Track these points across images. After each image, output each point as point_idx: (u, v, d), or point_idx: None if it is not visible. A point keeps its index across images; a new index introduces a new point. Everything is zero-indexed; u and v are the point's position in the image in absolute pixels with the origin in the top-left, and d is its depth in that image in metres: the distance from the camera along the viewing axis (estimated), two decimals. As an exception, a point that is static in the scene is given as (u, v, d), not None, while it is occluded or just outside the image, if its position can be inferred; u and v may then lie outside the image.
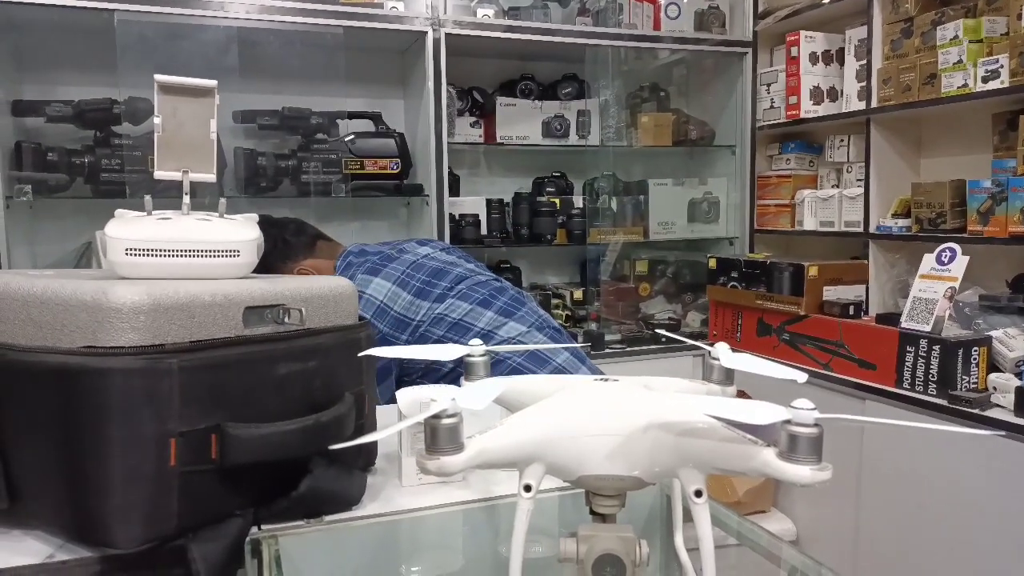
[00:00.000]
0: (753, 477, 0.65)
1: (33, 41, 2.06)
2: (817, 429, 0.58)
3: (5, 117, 1.94)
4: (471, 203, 2.45)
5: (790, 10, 2.46)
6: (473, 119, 2.45)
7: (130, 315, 0.78)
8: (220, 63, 2.12)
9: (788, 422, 0.56)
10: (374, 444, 1.06)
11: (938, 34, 1.98)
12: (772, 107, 2.57)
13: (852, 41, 2.29)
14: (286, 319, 0.93)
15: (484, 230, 2.44)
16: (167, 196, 0.98)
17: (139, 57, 1.98)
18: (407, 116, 2.47)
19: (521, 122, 2.47)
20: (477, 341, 0.89)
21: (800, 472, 0.57)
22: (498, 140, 2.45)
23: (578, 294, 2.65)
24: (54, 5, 1.83)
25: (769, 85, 2.58)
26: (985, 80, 1.86)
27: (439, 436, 0.57)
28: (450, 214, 2.28)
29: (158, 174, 0.99)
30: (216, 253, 0.92)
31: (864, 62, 2.23)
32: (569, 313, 2.59)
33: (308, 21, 2.07)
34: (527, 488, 0.64)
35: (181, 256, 0.90)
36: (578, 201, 2.61)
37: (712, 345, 0.84)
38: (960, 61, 1.91)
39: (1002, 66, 1.82)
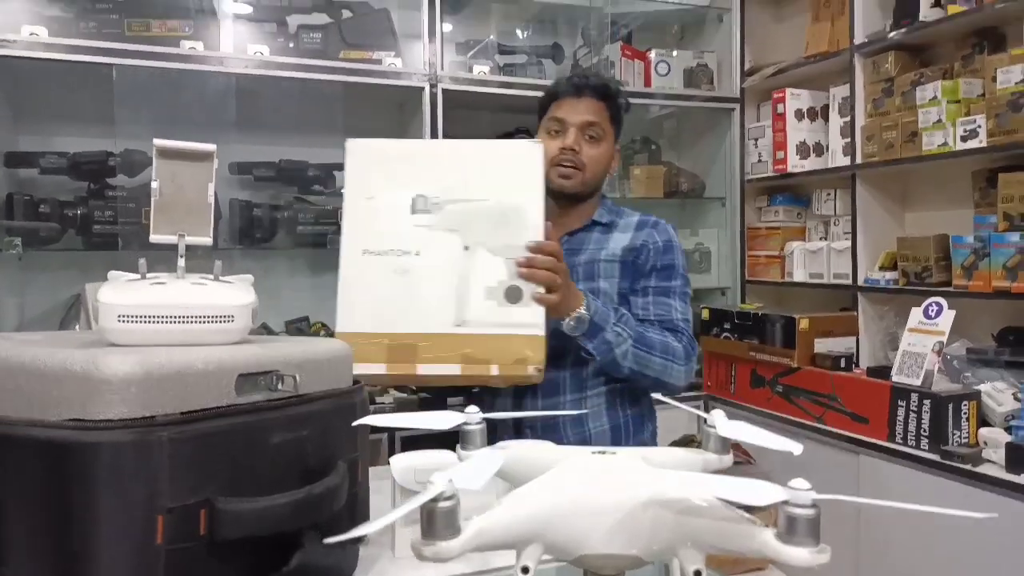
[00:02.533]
0: (753, 557, 0.64)
1: (31, 92, 2.08)
2: (815, 510, 0.57)
3: (-1, 168, 1.95)
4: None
5: (776, 68, 2.52)
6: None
7: (121, 387, 0.77)
8: (218, 115, 2.15)
9: (786, 503, 0.56)
10: (366, 512, 1.05)
11: (918, 94, 2.03)
12: (760, 161, 2.62)
13: (836, 99, 2.35)
14: (279, 386, 0.93)
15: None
16: (161, 250, 0.98)
17: (137, 109, 2.00)
18: (401, 167, 2.49)
19: (514, 174, 2.49)
20: (473, 408, 0.88)
21: (799, 555, 0.57)
22: (491, 191, 2.47)
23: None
24: (54, 59, 1.86)
25: (756, 139, 2.63)
26: (964, 139, 1.91)
27: (436, 521, 0.56)
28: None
29: (154, 238, 0.99)
30: (210, 319, 0.92)
31: (848, 119, 2.28)
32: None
33: (308, 76, 2.10)
34: (524, 570, 0.63)
35: (175, 322, 0.90)
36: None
37: (708, 411, 0.84)
38: (940, 121, 1.96)
39: (980, 126, 1.87)
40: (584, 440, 1.34)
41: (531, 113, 2.62)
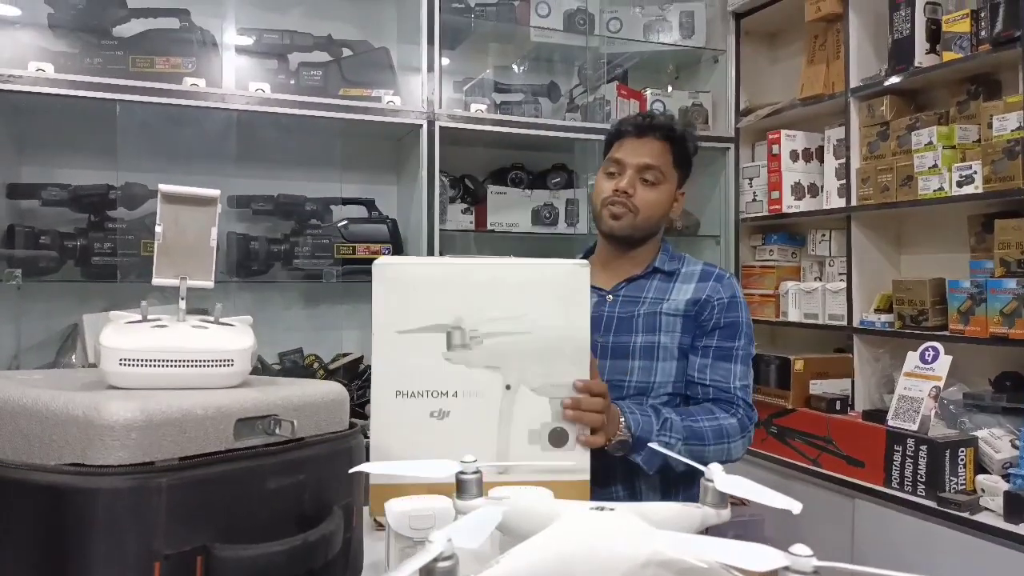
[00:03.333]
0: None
1: (34, 125, 2.09)
2: (816, 577, 0.57)
3: (0, 199, 1.96)
4: (461, 288, 2.46)
5: (771, 109, 2.56)
6: (465, 206, 2.49)
7: (122, 432, 0.77)
8: (218, 149, 2.17)
9: (787, 568, 0.56)
10: (360, 557, 1.04)
11: (913, 139, 2.07)
12: (755, 200, 2.65)
13: (831, 140, 2.38)
14: (277, 430, 0.93)
15: (473, 315, 2.45)
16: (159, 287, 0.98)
17: (139, 143, 2.02)
18: (400, 201, 2.52)
19: (511, 210, 2.52)
20: (471, 458, 0.88)
21: (799, 623, 0.56)
22: (489, 227, 2.49)
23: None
24: (59, 94, 1.88)
25: (751, 179, 2.66)
26: (960, 184, 1.94)
27: (435, 584, 0.56)
28: (440, 299, 2.29)
29: (156, 280, 1.00)
30: (210, 363, 0.92)
31: (843, 161, 2.32)
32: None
33: (308, 113, 2.13)
34: (522, 629, 0.62)
35: (175, 366, 0.90)
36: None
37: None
38: (935, 165, 1.99)
39: (975, 172, 1.90)
40: (634, 494, 1.32)
41: (527, 149, 2.69)
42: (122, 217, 2.02)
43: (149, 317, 0.97)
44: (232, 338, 0.96)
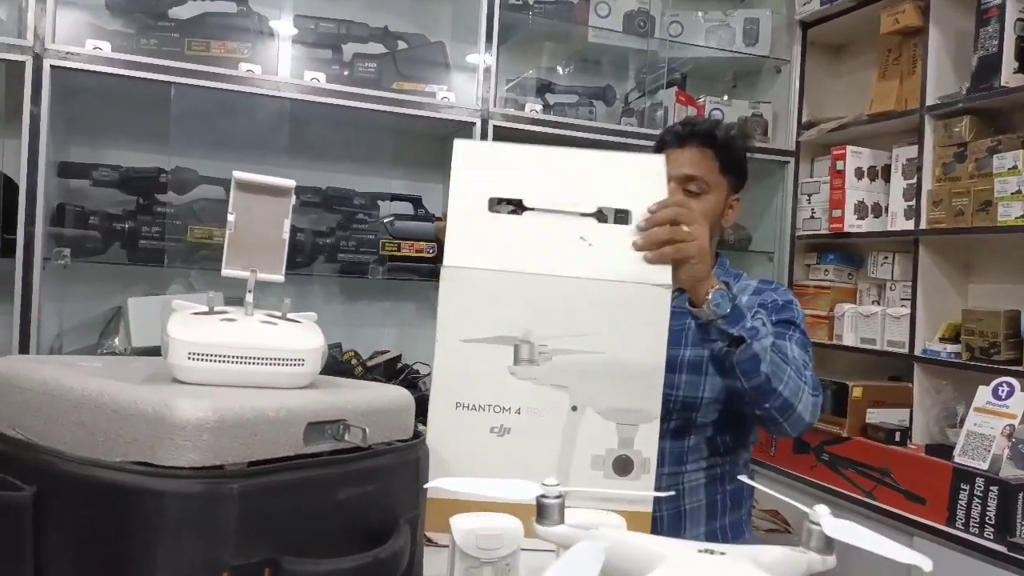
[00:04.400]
0: None
1: (87, 105, 2.07)
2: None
3: (51, 177, 1.93)
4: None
5: (837, 124, 2.47)
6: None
7: (194, 433, 0.72)
8: (269, 138, 2.13)
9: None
10: (420, 573, 0.98)
11: (995, 162, 1.97)
12: (812, 217, 2.56)
13: (900, 160, 2.29)
14: (346, 436, 0.87)
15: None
16: (205, 268, 0.93)
17: (191, 128, 1.98)
18: (445, 200, 2.45)
19: (561, 215, 2.45)
20: (553, 480, 0.81)
21: None
22: (537, 231, 2.43)
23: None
24: (115, 74, 1.84)
25: (810, 195, 2.57)
26: (1044, 212, 1.84)
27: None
28: (484, 302, 2.23)
29: (225, 272, 0.94)
30: (281, 361, 0.87)
31: (912, 181, 2.22)
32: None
33: (362, 106, 2.08)
34: None
35: (245, 363, 0.85)
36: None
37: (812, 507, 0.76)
38: (1019, 191, 1.89)
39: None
40: (678, 515, 1.25)
41: (580, 154, 2.60)
42: (171, 201, 1.98)
43: (216, 309, 0.92)
44: (303, 336, 0.90)
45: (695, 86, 2.68)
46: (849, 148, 2.39)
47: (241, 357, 0.84)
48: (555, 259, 0.97)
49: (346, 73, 2.19)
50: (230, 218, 0.94)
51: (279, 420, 0.79)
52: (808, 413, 1.15)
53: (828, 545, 0.75)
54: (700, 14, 2.58)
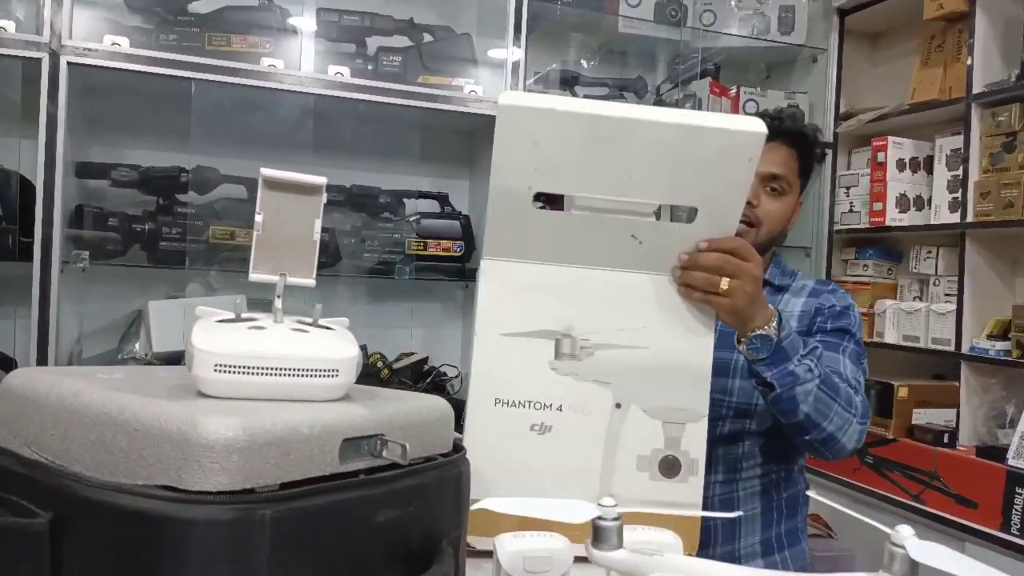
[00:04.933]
0: None
1: (106, 102, 2.02)
2: None
3: (69, 177, 1.89)
4: (532, 291, 2.34)
5: (876, 114, 2.38)
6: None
7: (223, 454, 0.66)
8: (292, 135, 2.08)
9: None
10: (466, 601, 0.92)
11: (1047, 151, 1.88)
12: (851, 211, 2.47)
13: (944, 150, 2.20)
14: (384, 452, 0.81)
15: (544, 319, 2.32)
16: (227, 270, 0.88)
17: (212, 125, 1.93)
18: (472, 197, 2.40)
19: (590, 211, 2.38)
20: (610, 501, 0.75)
21: None
22: (565, 228, 2.36)
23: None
24: (134, 71, 1.80)
25: (849, 188, 2.48)
26: (1102, 203, 1.75)
27: None
28: (511, 301, 2.17)
29: (253, 276, 0.88)
30: (314, 372, 0.81)
31: (957, 172, 2.13)
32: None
33: (388, 101, 2.02)
34: None
35: (277, 375, 0.79)
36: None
37: (894, 528, 0.69)
38: (1073, 181, 1.80)
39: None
40: (733, 523, 1.19)
41: (608, 148, 2.53)
42: (192, 201, 1.94)
43: (243, 316, 0.86)
44: (336, 345, 0.84)
45: (728, 76, 2.59)
46: (890, 139, 2.30)
47: (272, 368, 0.78)
48: (599, 254, 0.92)
49: (370, 67, 2.14)
50: (258, 218, 0.88)
51: (313, 437, 0.73)
52: (853, 442, 1.10)
53: (913, 569, 0.68)
54: (733, 2, 2.49)
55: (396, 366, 2.13)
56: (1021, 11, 1.96)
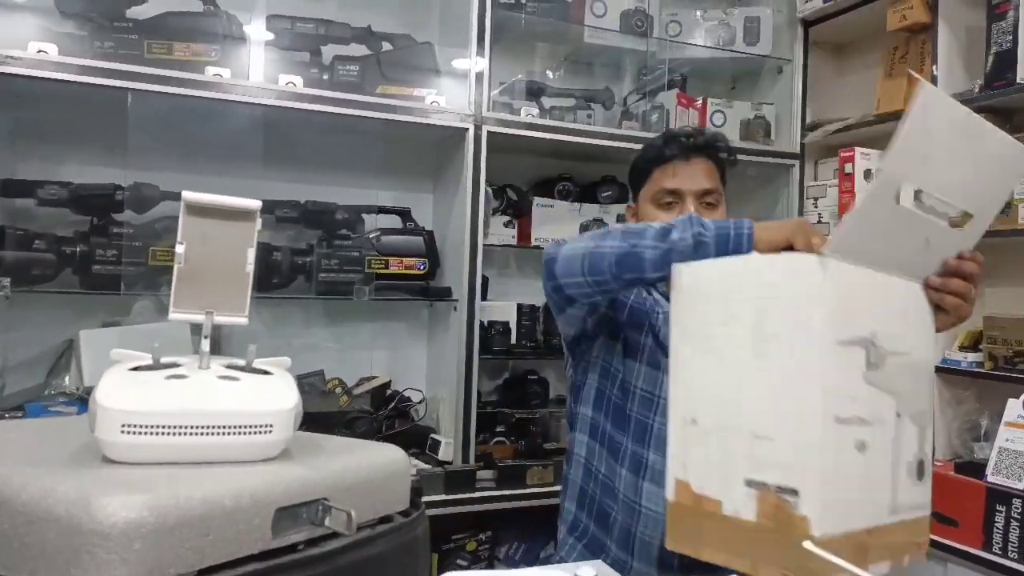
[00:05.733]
0: None
1: (34, 115, 1.88)
2: None
3: (-6, 196, 1.74)
4: (501, 309, 2.24)
5: (842, 125, 2.34)
6: (507, 219, 2.28)
7: (121, 542, 0.54)
8: (241, 149, 1.96)
9: None
10: None
11: (1019, 162, 1.84)
12: (820, 222, 2.42)
13: (913, 161, 2.16)
14: (327, 520, 0.70)
15: (514, 338, 2.23)
16: (168, 295, 0.76)
17: (152, 139, 1.81)
18: (436, 212, 2.30)
19: (557, 224, 2.30)
20: (589, 571, 0.66)
21: None
22: (533, 242, 2.27)
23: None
24: (63, 80, 1.66)
25: (817, 199, 2.44)
26: (1073, 214, 1.71)
27: None
28: (479, 321, 2.07)
29: (174, 315, 0.77)
30: (244, 429, 0.70)
31: (927, 184, 2.09)
32: (596, 432, 2.35)
33: (344, 112, 1.91)
34: None
35: (197, 434, 0.68)
36: (611, 310, 2.41)
37: None
38: (1043, 192, 1.77)
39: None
40: None
41: (575, 159, 2.47)
42: (129, 221, 1.80)
43: (162, 361, 0.75)
44: (271, 394, 0.74)
45: (695, 87, 2.54)
46: (858, 150, 2.25)
47: (192, 427, 0.67)
48: (895, 256, 0.86)
49: (326, 77, 2.03)
50: (179, 249, 0.77)
51: (240, 510, 0.62)
52: None
53: None
54: (699, 13, 2.44)
55: (356, 391, 2.01)
56: (982, 20, 1.94)
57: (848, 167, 2.29)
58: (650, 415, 1.20)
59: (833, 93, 2.56)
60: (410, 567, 0.75)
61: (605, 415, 1.25)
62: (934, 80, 2.06)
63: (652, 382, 1.22)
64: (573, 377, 1.32)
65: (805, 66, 2.49)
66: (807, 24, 2.48)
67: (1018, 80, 1.85)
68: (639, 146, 2.28)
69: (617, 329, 1.26)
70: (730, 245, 0.95)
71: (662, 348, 1.22)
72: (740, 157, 2.45)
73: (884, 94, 2.25)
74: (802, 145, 2.49)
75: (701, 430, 0.81)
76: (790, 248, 0.94)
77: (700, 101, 2.44)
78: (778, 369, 0.76)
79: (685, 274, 0.84)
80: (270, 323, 2.06)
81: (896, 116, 2.15)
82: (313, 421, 1.66)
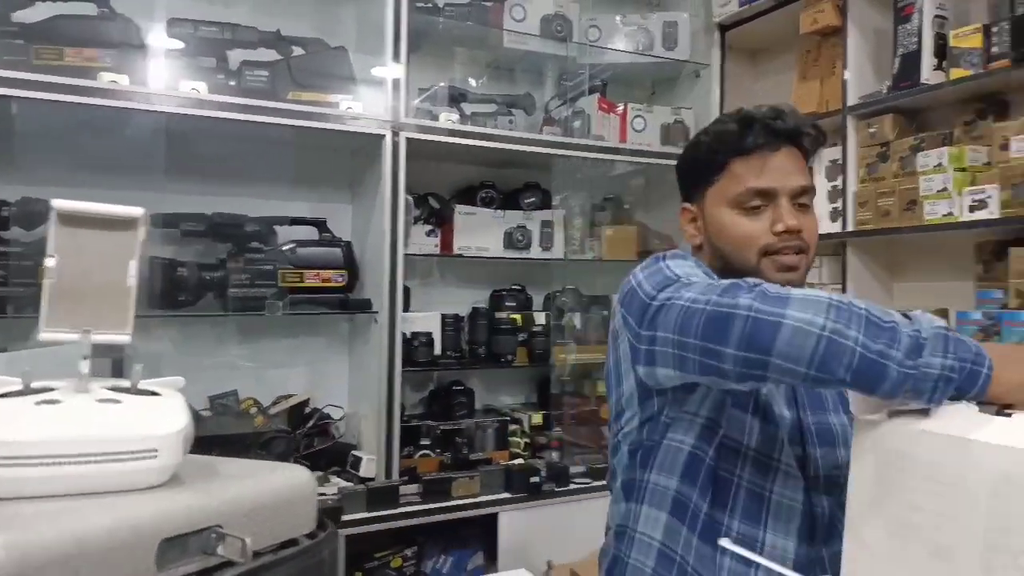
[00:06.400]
0: None
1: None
2: None
3: None
4: (424, 319, 2.20)
5: (758, 128, 2.40)
6: (429, 228, 2.23)
7: (-30, 592, 0.48)
8: (142, 160, 1.86)
9: None
10: None
11: (919, 160, 1.92)
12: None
13: (823, 161, 2.23)
14: (219, 549, 0.65)
15: (438, 349, 2.19)
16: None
17: (42, 150, 1.69)
18: (355, 222, 2.24)
19: (481, 232, 2.27)
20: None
21: None
22: (456, 251, 2.24)
23: (537, 418, 2.40)
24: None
25: (735, 202, 2.49)
26: (972, 210, 1.79)
27: None
28: (402, 332, 2.02)
29: (44, 335, 0.70)
30: (125, 455, 0.64)
31: (836, 183, 2.16)
32: (527, 441, 2.33)
33: (252, 119, 1.83)
34: None
35: (72, 463, 0.62)
36: (539, 317, 2.40)
37: None
38: (945, 189, 1.85)
39: (990, 196, 1.76)
40: None
41: (498, 166, 2.45)
42: (17, 239, 1.67)
43: (33, 386, 0.68)
44: (157, 416, 0.68)
45: (616, 93, 2.57)
46: (772, 152, 2.32)
47: (63, 456, 0.61)
48: None
49: (233, 83, 1.94)
50: (49, 263, 0.70)
51: (117, 544, 0.56)
52: None
53: None
54: (618, 18, 2.47)
55: (273, 411, 1.93)
56: (890, 23, 2.01)
57: (763, 169, 2.35)
58: (766, 484, 0.93)
59: (750, 97, 2.62)
60: (318, 593, 0.70)
61: (698, 486, 0.94)
62: (845, 83, 2.12)
63: (769, 442, 0.94)
64: (639, 433, 1.00)
65: (722, 70, 2.55)
66: (724, 29, 2.54)
67: (922, 81, 1.93)
68: (564, 152, 2.33)
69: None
70: (963, 382, 0.69)
71: (774, 398, 0.97)
72: (660, 162, 2.52)
73: (799, 97, 2.32)
74: (719, 149, 2.54)
75: None
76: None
77: (621, 107, 2.47)
78: None
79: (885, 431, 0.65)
80: (179, 342, 1.96)
81: (811, 117, 2.23)
82: (226, 444, 1.58)
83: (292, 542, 0.76)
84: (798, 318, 0.73)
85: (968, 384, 0.69)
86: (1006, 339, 1.73)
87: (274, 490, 0.76)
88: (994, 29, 1.79)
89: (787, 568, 0.82)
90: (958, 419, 0.65)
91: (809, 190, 0.99)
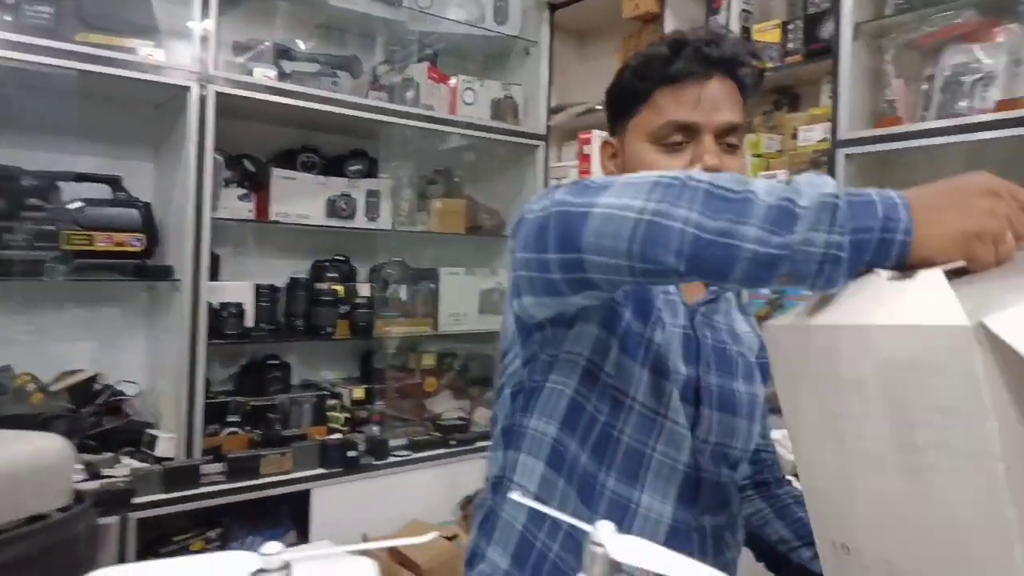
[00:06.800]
0: None
1: None
2: None
3: None
4: (235, 289, 2.05)
5: (584, 108, 2.47)
6: (243, 191, 2.09)
7: None
8: None
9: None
10: None
11: (724, 146, 2.08)
12: (564, 201, 2.55)
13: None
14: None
15: (250, 321, 2.06)
16: None
17: None
18: (157, 183, 2.04)
19: (301, 198, 2.16)
20: (274, 547, 0.58)
21: None
22: (272, 217, 2.11)
23: (359, 392, 2.34)
24: None
25: (560, 179, 2.56)
26: (766, 193, 1.97)
27: None
28: (208, 302, 1.88)
29: None
30: None
31: (652, 165, 2.29)
32: (348, 415, 2.26)
33: (33, 59, 1.61)
34: None
35: None
36: (363, 288, 2.33)
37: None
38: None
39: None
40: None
41: (321, 130, 2.33)
42: None
43: None
44: None
45: (447, 64, 2.53)
46: (595, 132, 2.40)
47: None
48: None
49: (9, 18, 1.69)
50: None
51: None
52: None
53: (615, 569, 0.59)
54: (450, -14, 2.43)
55: (53, 388, 1.72)
56: (702, 13, 2.14)
57: (586, 148, 2.43)
58: (648, 441, 0.84)
59: (576, 77, 2.70)
60: (68, 568, 0.62)
61: (577, 436, 0.84)
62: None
63: (657, 396, 0.84)
64: (521, 374, 0.90)
65: (551, 49, 2.60)
66: (553, 8, 2.59)
67: (724, 73, 2.07)
68: (391, 119, 2.26)
69: (612, 315, 0.84)
70: (870, 256, 0.56)
71: (670, 351, 0.86)
72: (489, 136, 2.53)
73: (617, 81, 2.41)
74: (548, 127, 2.59)
75: (857, 561, 0.56)
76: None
77: (453, 80, 2.44)
78: (947, 496, 0.49)
79: (783, 338, 0.58)
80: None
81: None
82: (-8, 423, 1.39)
83: (40, 516, 0.67)
84: (609, 204, 0.63)
85: (879, 257, 0.56)
86: (789, 306, 1.91)
87: (19, 461, 0.67)
88: (790, 26, 1.96)
89: (660, 533, 0.80)
90: (857, 299, 0.56)
91: (739, 128, 0.86)
